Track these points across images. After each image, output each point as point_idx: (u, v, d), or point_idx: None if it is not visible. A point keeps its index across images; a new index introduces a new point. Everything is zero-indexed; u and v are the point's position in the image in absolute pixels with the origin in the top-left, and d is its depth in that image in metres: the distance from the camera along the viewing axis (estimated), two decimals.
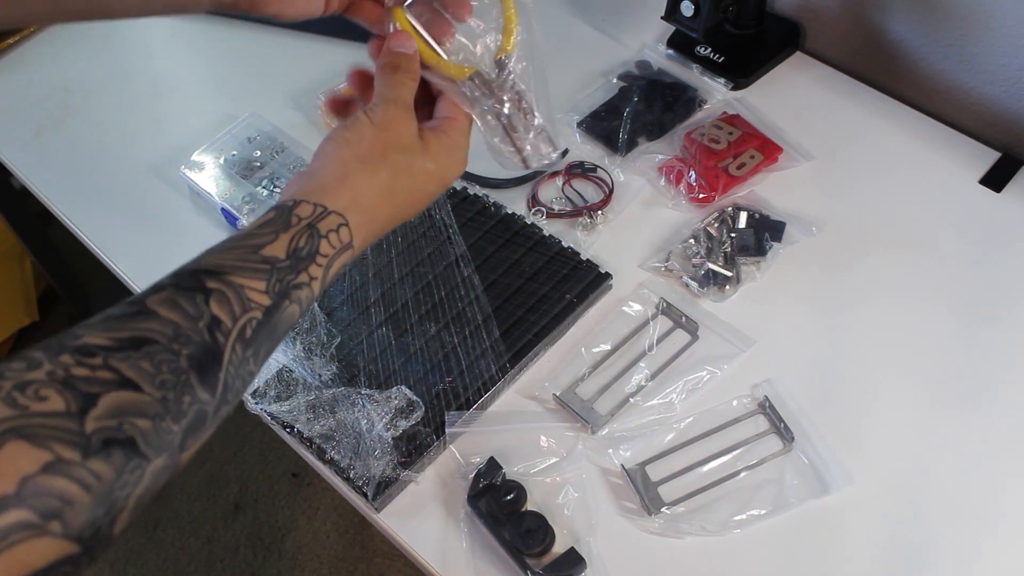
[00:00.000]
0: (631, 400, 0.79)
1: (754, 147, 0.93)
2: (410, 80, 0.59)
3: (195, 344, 0.44)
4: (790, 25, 1.06)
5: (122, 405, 0.40)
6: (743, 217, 0.89)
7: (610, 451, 0.77)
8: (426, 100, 0.61)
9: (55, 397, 0.38)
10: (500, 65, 0.60)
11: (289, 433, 0.78)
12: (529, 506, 0.73)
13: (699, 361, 0.82)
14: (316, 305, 0.86)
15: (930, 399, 0.78)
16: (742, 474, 0.75)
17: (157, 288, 0.46)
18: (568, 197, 0.94)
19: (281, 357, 0.82)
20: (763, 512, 0.73)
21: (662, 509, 0.73)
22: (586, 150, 0.98)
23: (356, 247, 0.54)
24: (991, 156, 0.94)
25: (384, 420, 0.76)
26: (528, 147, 0.60)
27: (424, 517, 0.75)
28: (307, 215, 0.52)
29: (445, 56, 0.61)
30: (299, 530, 1.66)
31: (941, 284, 0.85)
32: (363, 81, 0.62)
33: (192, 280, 0.47)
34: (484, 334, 0.82)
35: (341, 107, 0.63)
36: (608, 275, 0.86)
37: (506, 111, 0.59)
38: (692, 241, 0.88)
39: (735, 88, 1.02)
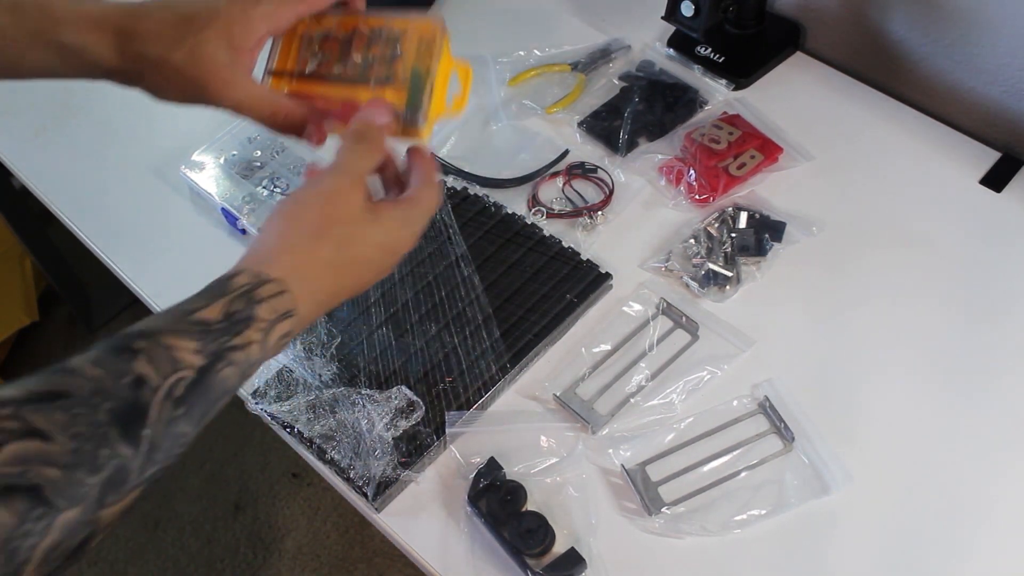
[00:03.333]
0: (631, 400, 0.79)
1: (754, 147, 0.93)
2: (372, 153, 0.58)
3: (116, 399, 0.42)
4: (790, 25, 1.06)
5: (27, 454, 0.38)
6: (743, 217, 0.89)
7: (610, 451, 0.77)
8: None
9: None
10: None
11: (289, 433, 0.78)
12: (529, 506, 0.73)
13: (699, 361, 0.82)
14: None
15: (930, 399, 0.78)
16: (742, 474, 0.75)
17: (85, 351, 0.45)
18: (568, 197, 0.94)
19: (281, 357, 0.82)
20: (763, 512, 0.73)
21: (662, 509, 0.73)
22: (586, 150, 0.98)
23: (302, 316, 0.53)
24: (991, 156, 0.94)
25: (384, 420, 0.76)
26: None
27: (424, 517, 0.75)
28: (244, 283, 0.51)
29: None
30: (299, 530, 1.66)
31: (941, 284, 0.85)
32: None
33: (121, 341, 0.45)
34: (484, 334, 0.82)
35: None
36: (608, 275, 0.86)
37: None
38: (692, 241, 0.88)
39: (735, 88, 1.02)
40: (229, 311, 0.49)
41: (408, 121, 0.61)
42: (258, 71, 0.61)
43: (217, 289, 0.50)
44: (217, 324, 0.48)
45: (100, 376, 0.43)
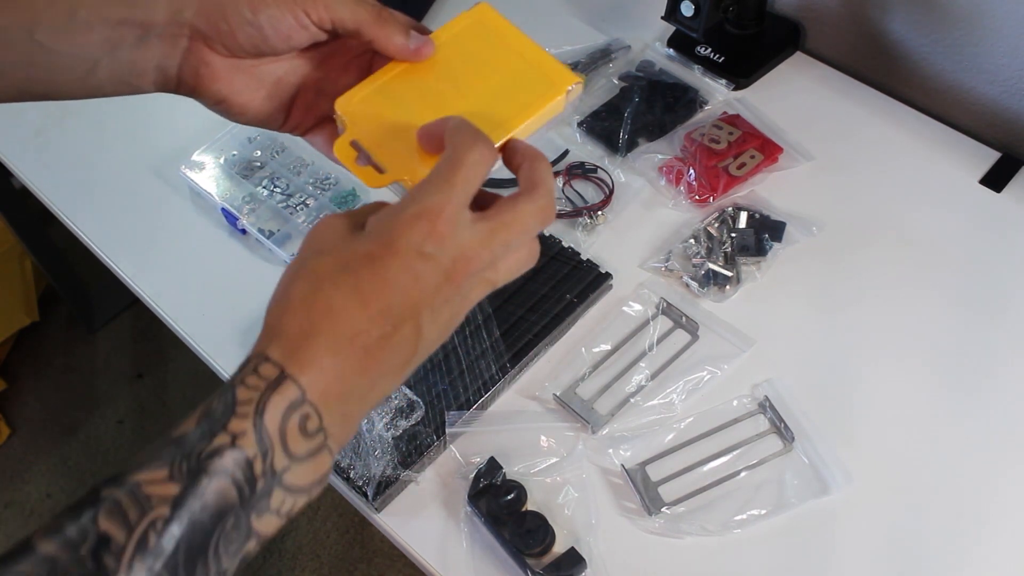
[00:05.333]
0: (631, 400, 0.79)
1: (754, 147, 0.93)
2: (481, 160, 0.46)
3: None
4: (790, 25, 1.06)
5: None
6: (743, 217, 0.89)
7: (610, 451, 0.77)
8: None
9: None
10: None
11: None
12: (529, 506, 0.73)
13: (699, 361, 0.82)
14: None
15: (930, 399, 0.78)
16: (742, 474, 0.75)
17: (56, 514, 0.37)
18: (568, 197, 0.94)
19: None
20: (763, 512, 0.73)
21: (662, 509, 0.73)
22: (586, 150, 0.98)
23: (310, 386, 0.40)
24: (991, 156, 0.94)
25: (384, 420, 0.76)
26: None
27: (424, 517, 0.75)
28: (256, 384, 0.40)
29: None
30: (299, 530, 1.66)
31: (941, 284, 0.85)
32: None
33: (89, 494, 0.37)
34: (484, 334, 0.82)
35: None
36: (608, 275, 0.86)
37: None
38: (692, 241, 0.88)
39: (735, 88, 1.02)
40: (205, 411, 0.39)
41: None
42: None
43: (226, 395, 0.40)
44: (192, 434, 0.38)
45: (55, 553, 0.35)
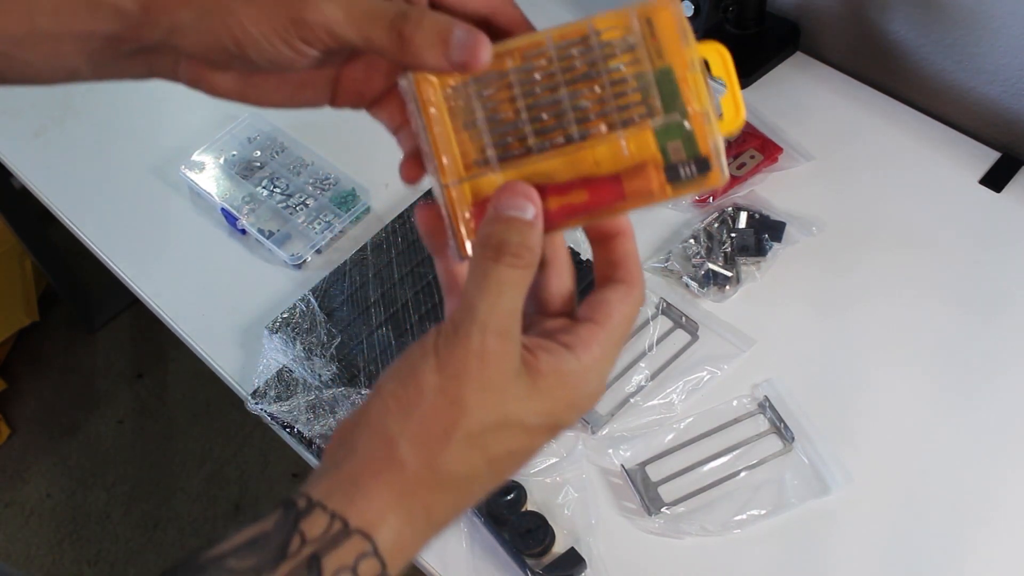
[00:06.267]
0: (631, 400, 0.79)
1: (754, 147, 0.93)
2: (522, 275, 0.37)
3: None
4: (790, 25, 1.06)
5: None
6: (743, 217, 0.89)
7: (610, 451, 0.77)
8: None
9: None
10: None
11: (289, 434, 0.78)
12: (529, 506, 0.73)
13: (699, 361, 0.82)
14: (316, 305, 0.86)
15: (930, 399, 0.78)
16: (742, 474, 0.75)
17: None
18: None
19: (281, 357, 0.82)
20: (763, 512, 0.73)
21: (662, 509, 0.73)
22: None
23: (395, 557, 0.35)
24: (991, 156, 0.94)
25: None
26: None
27: None
28: (316, 535, 0.34)
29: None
30: None
31: (941, 284, 0.85)
32: (435, 229, 0.40)
33: None
34: None
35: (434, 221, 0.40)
36: None
37: None
38: (692, 241, 0.88)
39: None
40: None
41: (684, 174, 0.40)
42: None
43: (276, 539, 0.35)
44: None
45: None
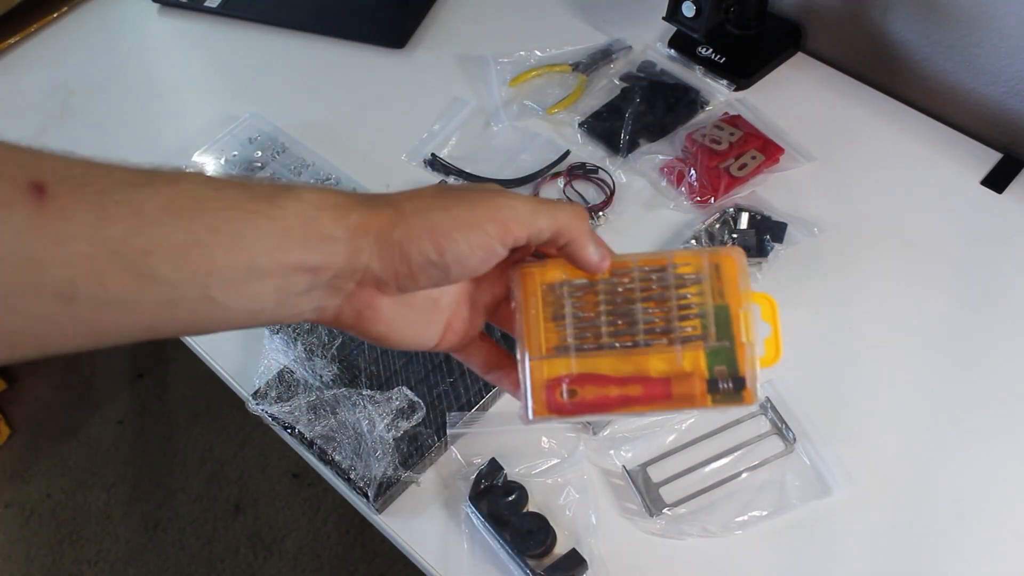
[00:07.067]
0: None
1: (755, 148, 0.93)
2: None
3: None
4: (791, 26, 1.06)
5: None
6: (744, 218, 0.89)
7: (611, 452, 0.77)
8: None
9: None
10: None
11: (290, 434, 0.78)
12: (530, 507, 0.73)
13: None
14: None
15: (931, 399, 0.78)
16: (743, 475, 0.75)
17: None
18: (569, 198, 0.94)
19: (282, 358, 0.82)
20: (765, 513, 0.73)
21: (663, 510, 0.73)
22: (587, 151, 0.98)
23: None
24: (993, 157, 0.94)
25: (385, 421, 0.76)
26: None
27: (425, 518, 0.75)
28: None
29: None
30: (300, 531, 1.66)
31: (943, 285, 0.85)
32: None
33: None
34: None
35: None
36: None
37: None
38: (693, 242, 0.88)
39: (736, 89, 1.02)
40: None
41: (722, 389, 0.48)
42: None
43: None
44: None
45: None
